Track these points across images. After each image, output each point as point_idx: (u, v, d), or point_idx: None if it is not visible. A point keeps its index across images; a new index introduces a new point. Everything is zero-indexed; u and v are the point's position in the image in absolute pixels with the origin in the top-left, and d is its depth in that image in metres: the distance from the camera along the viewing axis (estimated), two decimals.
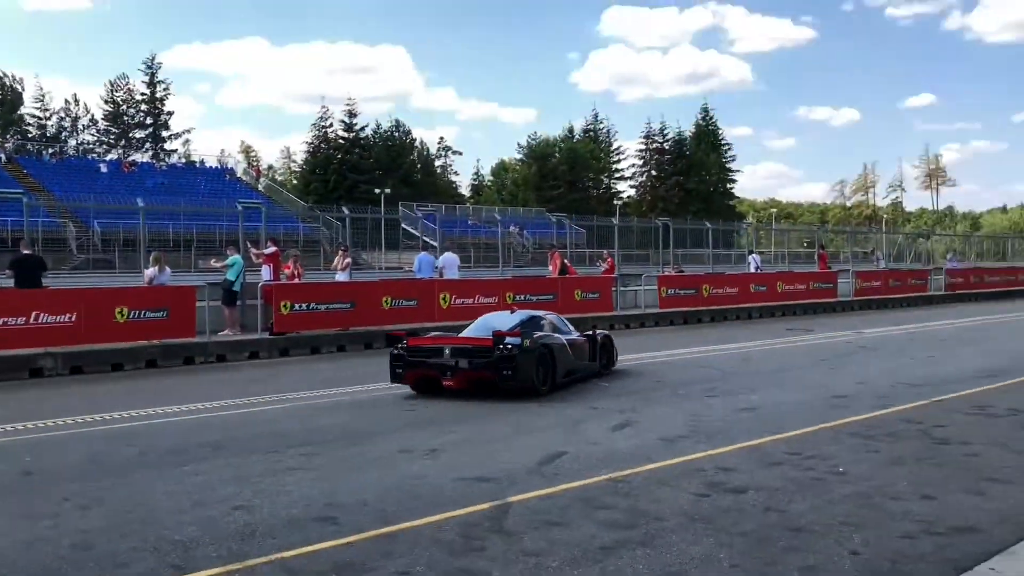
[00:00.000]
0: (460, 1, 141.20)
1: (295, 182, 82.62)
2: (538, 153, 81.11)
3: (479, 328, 11.83)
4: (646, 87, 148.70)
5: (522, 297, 19.48)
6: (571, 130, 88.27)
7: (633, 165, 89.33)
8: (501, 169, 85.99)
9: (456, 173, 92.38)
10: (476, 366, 10.67)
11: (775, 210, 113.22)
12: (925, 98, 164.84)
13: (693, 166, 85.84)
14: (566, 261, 22.60)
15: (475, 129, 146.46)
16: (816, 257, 32.71)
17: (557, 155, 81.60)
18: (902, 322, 23.23)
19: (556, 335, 11.89)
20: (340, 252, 19.11)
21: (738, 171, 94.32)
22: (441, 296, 18.06)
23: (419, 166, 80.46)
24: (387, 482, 6.75)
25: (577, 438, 8.40)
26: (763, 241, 52.01)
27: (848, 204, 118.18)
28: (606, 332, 13.94)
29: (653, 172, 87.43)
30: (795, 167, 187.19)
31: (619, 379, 12.50)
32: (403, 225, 49.55)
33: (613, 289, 21.75)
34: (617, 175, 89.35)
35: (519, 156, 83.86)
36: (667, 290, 22.93)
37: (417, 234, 51.42)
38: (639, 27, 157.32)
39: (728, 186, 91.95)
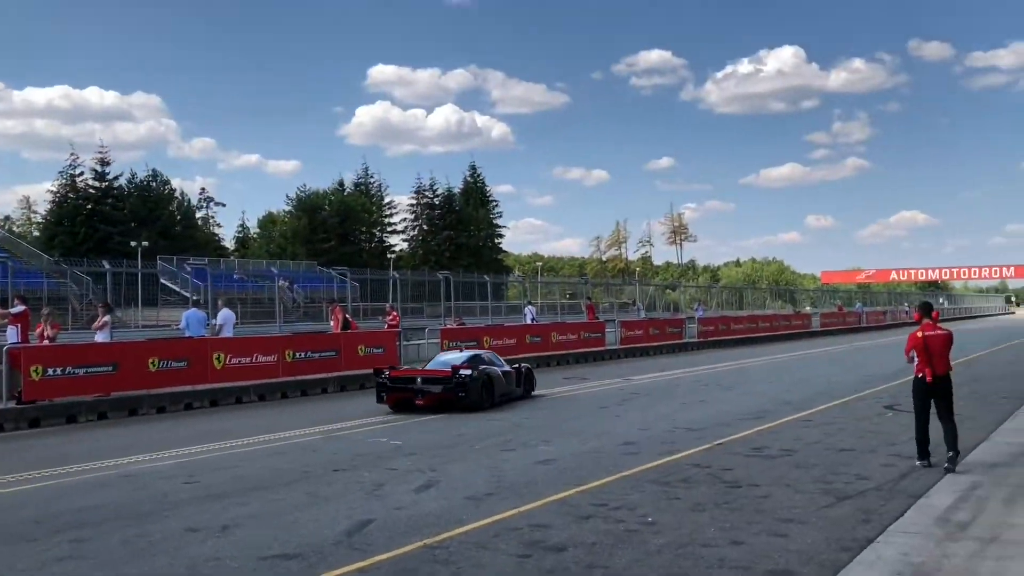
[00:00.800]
0: (219, 51, 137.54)
1: (37, 234, 75.42)
2: (308, 205, 79.36)
3: (438, 363, 15.94)
4: (413, 143, 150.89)
5: (303, 355, 18.72)
6: (342, 183, 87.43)
7: (405, 219, 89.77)
8: (268, 221, 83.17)
9: (219, 225, 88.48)
10: (440, 390, 14.83)
11: (540, 263, 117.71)
12: (665, 161, 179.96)
13: (463, 221, 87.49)
14: (348, 316, 22.01)
15: (238, 180, 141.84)
16: (584, 308, 34.09)
17: (327, 208, 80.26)
18: (665, 368, 24.63)
19: (494, 367, 16.07)
20: (100, 309, 17.43)
21: (505, 226, 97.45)
22: (215, 356, 16.90)
23: (179, 217, 76.09)
24: (177, 568, 6.03)
25: (381, 503, 8.00)
26: (528, 293, 53.72)
27: (604, 258, 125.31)
28: (528, 365, 18.00)
29: (424, 226, 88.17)
30: (554, 223, 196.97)
31: (412, 436, 12.20)
32: (163, 280, 46.46)
33: (397, 343, 21.41)
34: (389, 229, 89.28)
35: (288, 208, 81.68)
36: (449, 343, 22.89)
37: (177, 289, 48.44)
38: (404, 85, 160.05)
39: (496, 240, 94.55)
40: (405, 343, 21.96)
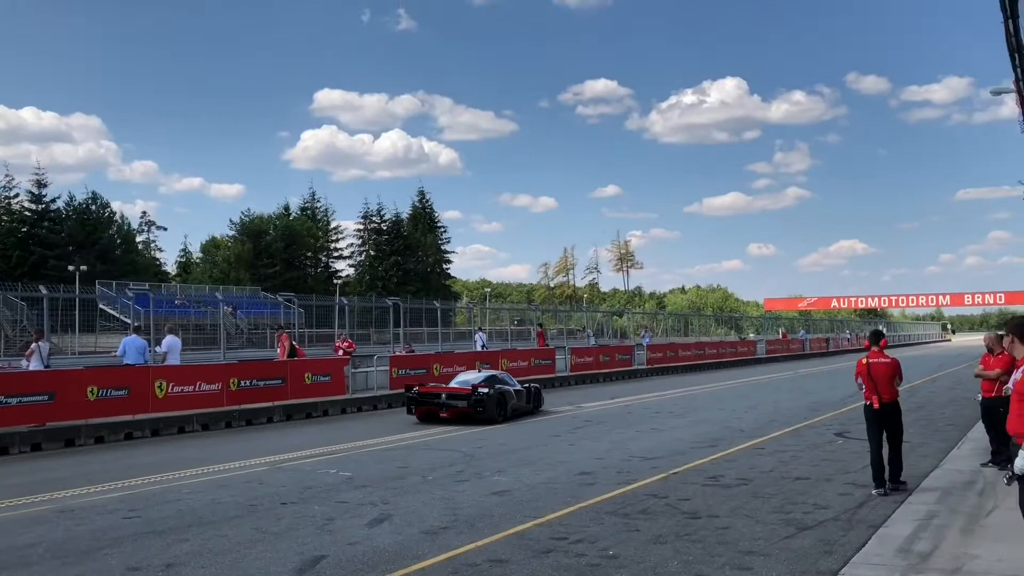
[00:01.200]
0: (162, 73, 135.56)
1: None
2: (252, 230, 78.23)
3: (459, 382, 18.28)
4: (360, 168, 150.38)
5: (248, 383, 18.24)
6: (287, 207, 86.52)
7: (351, 244, 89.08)
8: (211, 246, 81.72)
9: (161, 250, 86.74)
10: (461, 405, 17.19)
11: (488, 289, 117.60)
12: (612, 189, 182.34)
13: (411, 246, 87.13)
14: (295, 343, 21.56)
15: (180, 204, 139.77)
16: (535, 335, 34.01)
17: (272, 232, 79.23)
18: (616, 395, 24.60)
19: (507, 386, 18.36)
20: (34, 335, 16.78)
21: (453, 252, 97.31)
22: (157, 384, 16.37)
23: (119, 241, 74.28)
24: None
25: (333, 538, 7.71)
26: (478, 319, 53.55)
27: (552, 284, 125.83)
28: (537, 385, 20.51)
29: (372, 252, 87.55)
30: (502, 249, 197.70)
31: (362, 467, 11.88)
32: (101, 305, 45.26)
33: (345, 371, 21.01)
34: (335, 254, 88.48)
35: (231, 233, 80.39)
36: (398, 370, 22.59)
37: (117, 315, 47.22)
38: (351, 110, 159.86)
39: (444, 266, 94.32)
40: (354, 371, 21.56)
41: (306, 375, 19.85)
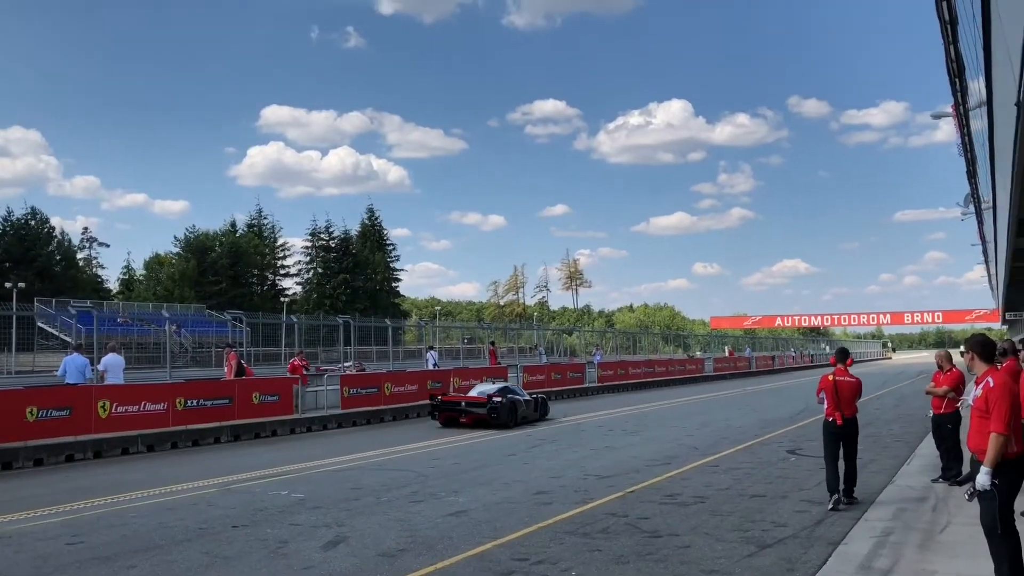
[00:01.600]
0: (105, 86, 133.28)
1: None
2: (197, 247, 76.83)
3: (477, 392, 21.10)
4: (308, 185, 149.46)
5: (195, 403, 17.80)
6: (234, 224, 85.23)
7: (299, 262, 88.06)
8: (155, 263, 79.99)
9: (102, 267, 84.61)
10: (478, 412, 19.89)
11: (438, 308, 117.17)
12: (561, 208, 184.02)
13: (359, 264, 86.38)
14: (243, 361, 21.11)
15: (123, 220, 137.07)
16: (486, 353, 33.86)
17: (218, 249, 77.93)
18: (568, 413, 24.55)
19: (518, 396, 21.15)
20: None
21: (402, 270, 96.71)
22: (100, 404, 15.87)
23: (59, 258, 72.35)
24: None
25: (287, 562, 7.49)
26: (428, 337, 53.19)
27: (501, 302, 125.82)
28: (543, 396, 23.40)
29: (319, 269, 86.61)
30: (451, 267, 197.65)
31: (314, 488, 11.63)
32: (40, 323, 43.99)
33: (294, 390, 20.64)
34: (282, 272, 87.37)
35: (176, 250, 78.87)
36: (349, 390, 22.26)
37: (56, 333, 45.96)
38: (299, 126, 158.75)
39: (393, 284, 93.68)
40: (304, 390, 21.16)
41: (254, 395, 19.43)
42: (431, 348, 30.44)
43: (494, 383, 22.97)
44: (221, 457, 15.70)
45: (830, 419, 9.62)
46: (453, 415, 20.26)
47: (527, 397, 21.66)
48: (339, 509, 10.03)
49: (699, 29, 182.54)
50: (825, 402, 9.69)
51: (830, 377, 9.75)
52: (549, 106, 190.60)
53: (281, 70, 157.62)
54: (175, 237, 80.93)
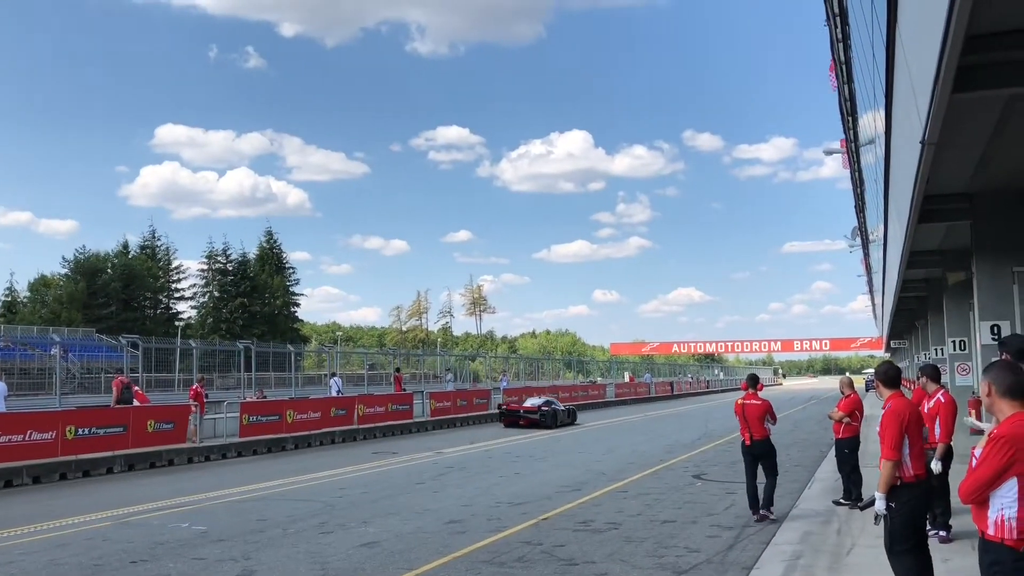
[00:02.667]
0: None
1: None
2: (87, 268, 73.55)
3: (530, 403, 29.41)
4: (204, 206, 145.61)
5: (86, 431, 16.94)
6: (126, 245, 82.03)
7: (194, 285, 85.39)
8: (41, 284, 76.15)
9: None
10: (532, 417, 28.12)
11: (339, 333, 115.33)
12: (464, 234, 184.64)
13: (257, 288, 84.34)
14: (136, 388, 20.22)
15: (6, 239, 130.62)
16: (392, 379, 33.44)
17: (110, 271, 74.84)
18: (476, 440, 24.42)
19: (557, 407, 29.47)
20: None
21: (301, 294, 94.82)
22: None
23: None
24: None
25: None
26: (330, 363, 52.21)
27: (404, 328, 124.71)
28: (573, 407, 32.81)
29: (216, 293, 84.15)
30: (352, 292, 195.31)
31: (215, 520, 11.17)
32: None
33: (190, 418, 19.87)
34: (177, 295, 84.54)
35: (64, 271, 75.31)
36: (249, 417, 21.59)
37: None
38: (195, 146, 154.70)
39: (292, 309, 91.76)
40: (203, 418, 20.40)
41: (149, 422, 18.65)
42: (335, 374, 29.81)
43: (540, 397, 31.39)
44: (115, 488, 14.96)
45: (743, 440, 10.51)
46: (514, 419, 28.93)
47: (562, 408, 30.53)
48: (245, 542, 9.66)
49: (599, 62, 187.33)
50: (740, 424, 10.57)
51: (740, 401, 10.54)
52: (452, 132, 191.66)
53: (178, 88, 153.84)
54: (63, 258, 77.50)
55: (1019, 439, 3.71)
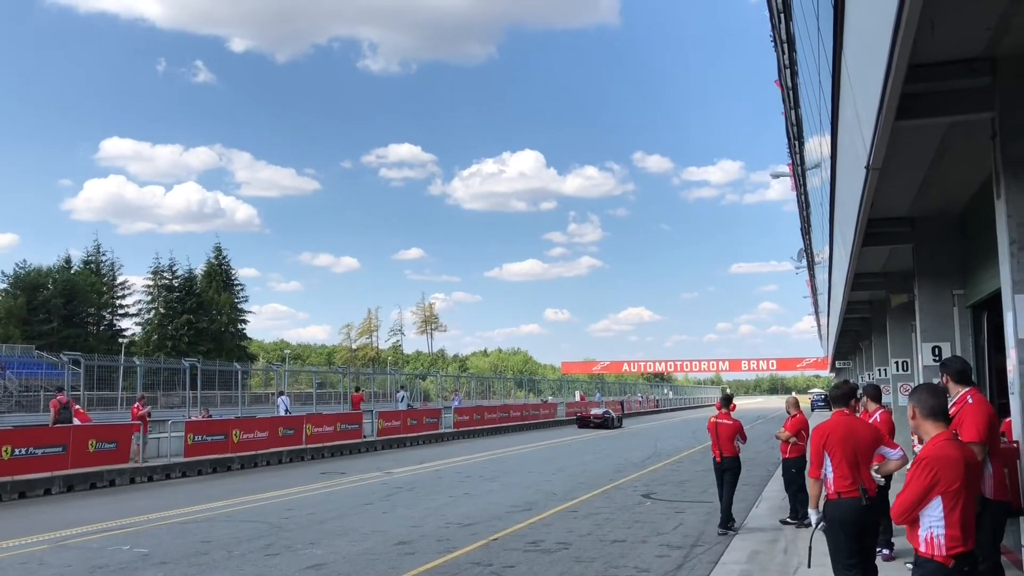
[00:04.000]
0: None
1: None
2: (27, 283, 71.68)
3: (595, 412, 45.21)
4: (150, 221, 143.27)
5: (23, 451, 16.46)
6: (68, 260, 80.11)
7: (139, 301, 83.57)
8: None
9: None
10: (598, 421, 43.41)
11: (288, 351, 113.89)
12: (415, 252, 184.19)
13: (204, 305, 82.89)
14: (77, 407, 19.70)
15: None
16: (351, 399, 33.10)
17: (51, 286, 73.03)
18: (425, 460, 24.25)
19: (612, 414, 45.32)
20: None
21: (249, 311, 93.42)
22: None
23: None
24: None
25: None
26: (277, 382, 51.51)
27: (354, 346, 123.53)
28: (621, 414, 49.80)
29: (161, 309, 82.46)
30: (301, 309, 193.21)
31: (158, 542, 10.90)
32: None
33: (133, 437, 19.40)
34: (121, 311, 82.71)
35: (3, 286, 73.27)
36: (194, 437, 21.17)
37: None
38: (142, 160, 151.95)
39: (240, 326, 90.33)
40: (146, 437, 19.95)
41: (90, 442, 18.17)
42: (282, 393, 29.41)
43: (601, 407, 47.66)
44: (53, 510, 14.54)
45: (714, 456, 11.13)
46: (586, 423, 42.82)
47: (614, 415, 44.73)
48: (188, 564, 9.44)
49: (550, 83, 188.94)
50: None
51: (713, 419, 11.16)
52: (404, 150, 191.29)
53: (124, 101, 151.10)
54: (2, 272, 75.25)
55: (941, 460, 3.91)
